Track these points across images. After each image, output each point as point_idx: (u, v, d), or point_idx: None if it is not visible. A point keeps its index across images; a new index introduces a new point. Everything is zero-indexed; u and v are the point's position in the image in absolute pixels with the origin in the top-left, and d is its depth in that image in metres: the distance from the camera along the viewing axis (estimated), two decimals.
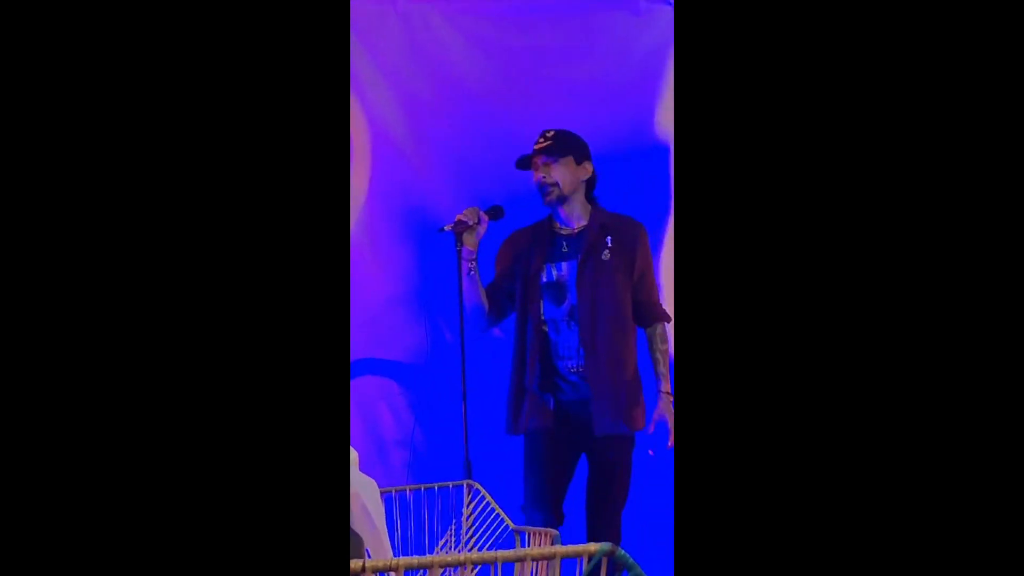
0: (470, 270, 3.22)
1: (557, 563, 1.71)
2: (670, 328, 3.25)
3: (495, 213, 3.29)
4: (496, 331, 3.46)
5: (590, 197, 3.31)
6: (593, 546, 1.62)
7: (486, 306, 3.25)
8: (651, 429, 3.18)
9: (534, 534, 2.56)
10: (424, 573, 1.53)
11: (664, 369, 3.25)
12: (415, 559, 1.53)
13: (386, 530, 2.32)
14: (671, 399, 3.20)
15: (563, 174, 3.24)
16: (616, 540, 3.08)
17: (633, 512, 3.20)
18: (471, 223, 3.22)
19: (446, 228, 3.23)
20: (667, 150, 3.71)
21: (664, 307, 3.28)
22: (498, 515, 2.73)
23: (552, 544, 2.34)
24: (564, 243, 3.28)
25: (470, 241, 3.23)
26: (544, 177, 3.23)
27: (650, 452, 3.20)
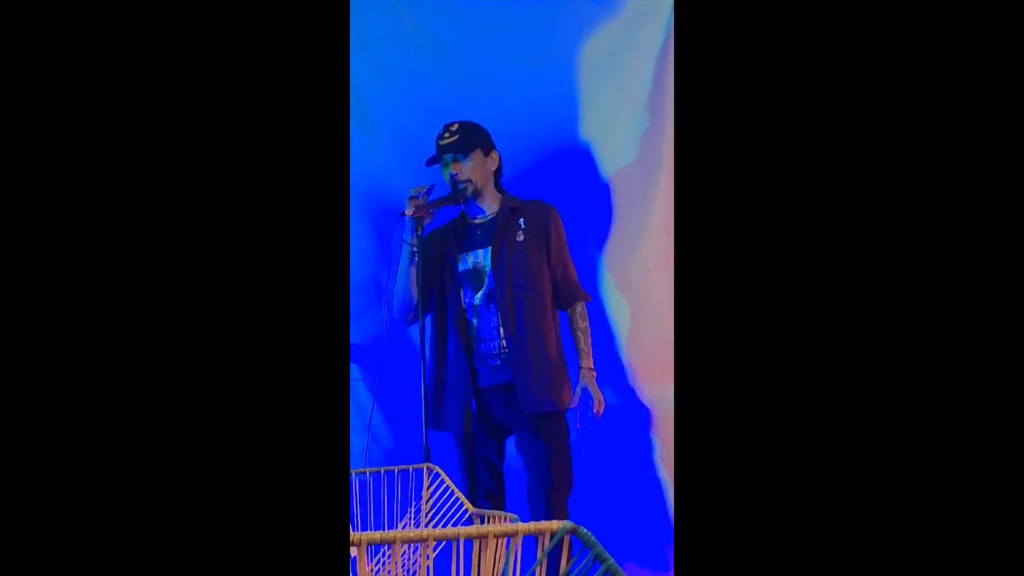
0: (414, 256, 3.21)
1: (518, 541, 1.70)
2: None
3: (452, 199, 3.28)
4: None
5: (498, 185, 3.33)
6: (555, 524, 1.62)
7: (416, 300, 3.23)
8: (575, 402, 3.19)
9: (493, 518, 2.55)
10: (386, 548, 1.53)
11: (586, 347, 3.26)
12: (377, 534, 1.52)
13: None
14: (593, 374, 3.21)
15: (474, 169, 3.23)
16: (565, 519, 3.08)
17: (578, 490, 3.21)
18: (422, 198, 3.21)
19: (406, 213, 3.21)
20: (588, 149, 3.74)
21: (582, 287, 3.30)
22: (457, 498, 2.72)
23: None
24: (478, 231, 3.28)
25: (420, 228, 3.23)
26: (457, 174, 3.23)
27: (577, 426, 3.21)
